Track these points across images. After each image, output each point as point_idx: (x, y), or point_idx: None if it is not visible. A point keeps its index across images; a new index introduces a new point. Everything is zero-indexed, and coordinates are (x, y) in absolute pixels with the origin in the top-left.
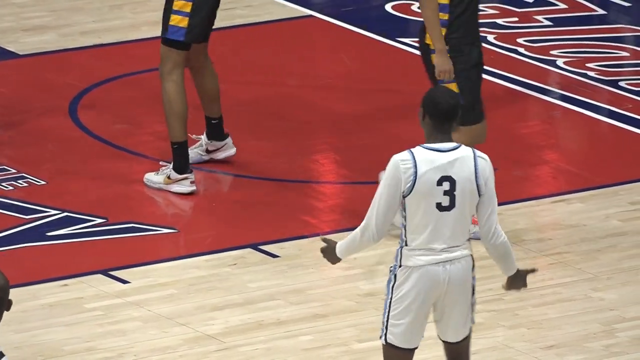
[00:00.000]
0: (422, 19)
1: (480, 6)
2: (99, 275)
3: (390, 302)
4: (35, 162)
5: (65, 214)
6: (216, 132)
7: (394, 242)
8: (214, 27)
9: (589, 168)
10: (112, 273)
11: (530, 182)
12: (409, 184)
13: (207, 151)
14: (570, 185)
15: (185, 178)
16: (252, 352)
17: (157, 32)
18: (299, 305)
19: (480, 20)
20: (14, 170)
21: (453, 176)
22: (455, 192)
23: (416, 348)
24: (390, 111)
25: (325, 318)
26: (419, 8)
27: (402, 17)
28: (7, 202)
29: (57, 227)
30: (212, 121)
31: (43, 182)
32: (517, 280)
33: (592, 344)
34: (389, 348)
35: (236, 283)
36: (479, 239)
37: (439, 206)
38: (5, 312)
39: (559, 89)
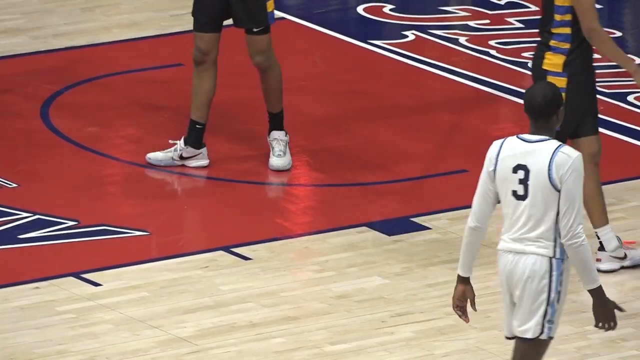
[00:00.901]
0: (377, 20)
1: (453, 8)
2: (71, 278)
3: None
4: (7, 165)
5: (36, 216)
6: (196, 138)
7: (366, 246)
8: (188, 31)
9: None
10: (84, 276)
11: None
12: (491, 167)
13: (181, 157)
14: None
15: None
16: (224, 354)
17: (128, 34)
18: (270, 308)
19: (452, 23)
20: None
21: (528, 165)
22: (528, 182)
23: (513, 338)
24: (363, 113)
25: (297, 320)
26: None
27: (374, 20)
28: None
29: (29, 229)
30: (197, 126)
31: (14, 185)
32: (600, 309)
33: (565, 345)
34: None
35: (208, 286)
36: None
37: (515, 194)
38: None
39: None
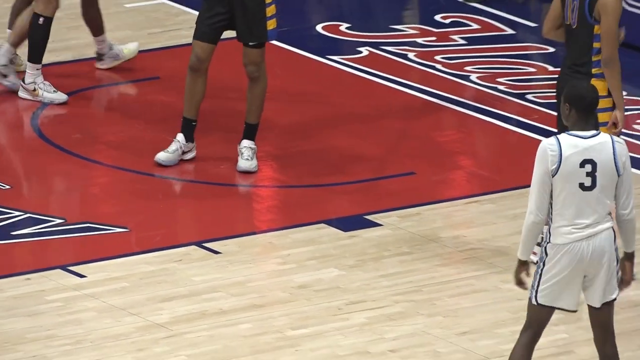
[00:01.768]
0: (341, 38)
1: (402, 27)
2: (59, 270)
3: (542, 272)
4: (0, 169)
5: (27, 215)
6: (191, 134)
7: (324, 241)
8: (163, 48)
9: (499, 172)
10: (70, 268)
11: (446, 185)
12: (554, 165)
13: (183, 152)
14: (482, 188)
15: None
16: (196, 339)
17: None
18: (238, 297)
19: (402, 40)
20: None
21: (594, 159)
22: (596, 174)
23: (574, 311)
24: (321, 121)
25: (262, 308)
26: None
27: (331, 37)
28: None
29: (20, 227)
30: (192, 123)
31: (7, 187)
32: (625, 264)
33: (502, 329)
34: (537, 308)
35: (182, 277)
36: None
37: (582, 186)
38: None
39: (472, 101)
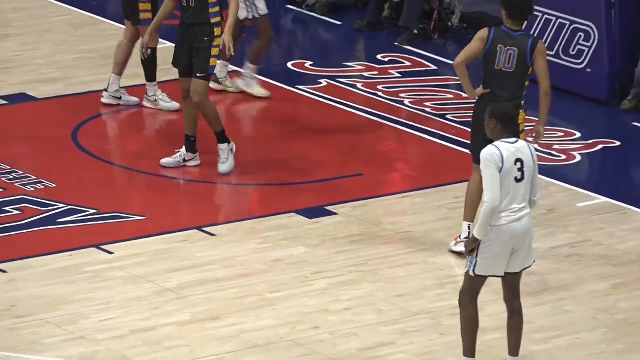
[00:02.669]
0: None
1: (352, 64)
2: (93, 249)
3: (479, 251)
4: (49, 172)
5: (69, 207)
6: (192, 146)
7: (294, 226)
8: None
9: (425, 174)
10: (102, 247)
11: (386, 184)
12: (500, 165)
13: (184, 160)
14: (414, 185)
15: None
16: (197, 300)
17: (135, 82)
18: (229, 269)
19: (352, 73)
20: (34, 177)
21: (522, 158)
22: (524, 169)
23: (501, 276)
24: (290, 134)
25: (246, 277)
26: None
27: (298, 71)
28: (30, 199)
29: (64, 216)
30: (191, 138)
31: (54, 185)
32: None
33: (428, 293)
34: (475, 278)
35: (186, 253)
36: None
37: (516, 179)
38: (29, 272)
39: (406, 120)
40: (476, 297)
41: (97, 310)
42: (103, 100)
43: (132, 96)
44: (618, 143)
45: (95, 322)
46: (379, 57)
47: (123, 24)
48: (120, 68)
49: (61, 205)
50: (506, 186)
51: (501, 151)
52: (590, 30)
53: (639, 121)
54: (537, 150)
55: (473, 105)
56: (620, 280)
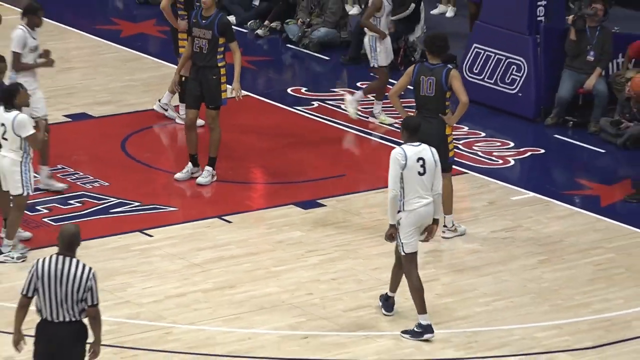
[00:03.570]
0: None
1: (338, 89)
2: (137, 233)
3: (400, 233)
4: (103, 173)
5: (119, 200)
6: (196, 162)
7: (293, 215)
8: None
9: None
10: (144, 231)
11: (364, 182)
12: (403, 162)
13: (192, 173)
14: (385, 184)
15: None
16: (218, 272)
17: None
18: (242, 248)
19: (338, 97)
20: (92, 177)
21: (424, 157)
22: (425, 165)
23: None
24: (289, 145)
25: (256, 255)
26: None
27: (296, 95)
28: (89, 194)
29: (115, 207)
30: (194, 156)
31: (107, 184)
32: (433, 227)
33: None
34: (408, 255)
35: (209, 236)
36: None
37: (419, 173)
38: (88, 251)
39: (379, 132)
40: (416, 269)
41: (140, 280)
42: (154, 107)
43: (175, 112)
44: (543, 151)
45: (139, 290)
46: (358, 84)
47: (160, 59)
48: (173, 87)
49: (112, 199)
50: (412, 178)
51: (405, 152)
52: (522, 64)
53: (559, 134)
54: (480, 156)
55: None
56: (545, 257)
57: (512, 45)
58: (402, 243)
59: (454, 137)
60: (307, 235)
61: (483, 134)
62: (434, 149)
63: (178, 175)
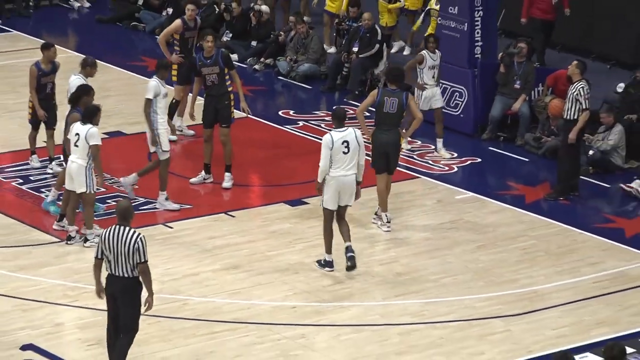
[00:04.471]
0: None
1: (319, 112)
2: (160, 225)
3: (324, 193)
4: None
5: (146, 199)
6: (209, 170)
7: (283, 210)
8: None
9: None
10: (166, 224)
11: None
12: (331, 145)
13: (204, 179)
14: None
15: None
16: (226, 255)
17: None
18: (244, 237)
19: (319, 117)
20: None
21: (347, 139)
22: (349, 146)
23: (335, 210)
24: (281, 157)
25: (254, 242)
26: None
27: (285, 117)
28: (122, 195)
29: (143, 205)
30: (208, 165)
31: (137, 186)
32: (358, 187)
33: (364, 250)
34: (326, 210)
35: (217, 228)
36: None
37: (343, 152)
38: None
39: None
40: (331, 221)
41: (162, 262)
42: (176, 128)
43: (190, 129)
44: (480, 160)
45: (162, 270)
46: (334, 107)
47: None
48: (182, 108)
49: (141, 199)
50: (337, 156)
51: (332, 136)
52: (463, 91)
53: (493, 146)
54: (431, 164)
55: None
56: (482, 243)
57: (455, 76)
58: (323, 199)
59: (411, 150)
60: (294, 227)
61: (433, 147)
62: (358, 132)
63: (193, 180)
